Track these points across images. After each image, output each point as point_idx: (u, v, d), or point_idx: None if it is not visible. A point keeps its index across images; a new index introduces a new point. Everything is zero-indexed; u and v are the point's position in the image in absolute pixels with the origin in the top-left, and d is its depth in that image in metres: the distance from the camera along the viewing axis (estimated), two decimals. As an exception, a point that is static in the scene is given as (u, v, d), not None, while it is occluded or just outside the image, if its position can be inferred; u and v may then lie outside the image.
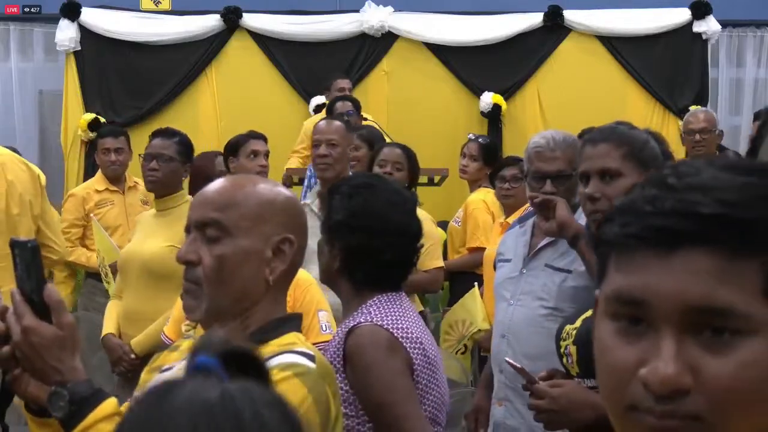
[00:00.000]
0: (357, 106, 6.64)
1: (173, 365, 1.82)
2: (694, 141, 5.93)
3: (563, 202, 3.06)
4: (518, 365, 2.48)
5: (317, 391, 1.62)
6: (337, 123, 4.42)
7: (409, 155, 4.75)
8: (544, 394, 2.36)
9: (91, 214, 5.51)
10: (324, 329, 3.04)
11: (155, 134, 4.46)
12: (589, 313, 2.41)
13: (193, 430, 0.81)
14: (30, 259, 1.61)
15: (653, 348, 0.86)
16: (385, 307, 2.36)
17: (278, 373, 1.60)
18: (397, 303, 2.41)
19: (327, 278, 2.48)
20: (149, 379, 1.86)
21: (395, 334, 2.30)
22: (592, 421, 2.28)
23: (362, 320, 2.31)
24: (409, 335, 2.33)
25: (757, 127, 1.86)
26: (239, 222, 1.75)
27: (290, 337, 1.75)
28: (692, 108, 8.06)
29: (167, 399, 0.85)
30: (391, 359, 2.29)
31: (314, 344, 3.03)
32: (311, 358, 1.67)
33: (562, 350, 2.46)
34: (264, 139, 5.02)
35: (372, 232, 2.40)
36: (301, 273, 3.18)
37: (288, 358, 1.65)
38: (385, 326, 2.30)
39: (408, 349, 2.31)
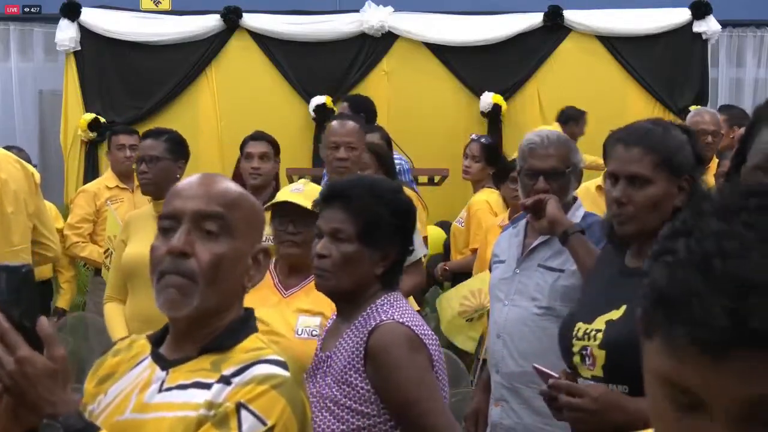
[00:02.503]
0: (354, 106, 6.56)
1: (127, 375, 1.75)
2: (705, 142, 5.83)
3: (554, 199, 3.07)
4: (546, 370, 2.45)
5: (294, 399, 1.62)
6: (352, 123, 4.36)
7: (378, 153, 4.71)
8: (585, 392, 2.32)
9: (107, 201, 5.55)
10: None
11: (145, 135, 4.44)
12: (613, 315, 2.38)
13: None
14: (22, 285, 1.56)
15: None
16: (398, 305, 2.37)
17: (256, 388, 1.59)
18: (404, 301, 2.43)
19: (356, 285, 2.38)
20: (98, 392, 1.78)
21: (416, 331, 2.31)
22: (621, 424, 2.28)
23: (384, 318, 2.31)
24: (427, 332, 2.35)
25: (746, 128, 1.87)
26: (239, 223, 1.71)
27: (254, 341, 1.71)
28: (693, 107, 8.06)
29: None
30: (416, 356, 2.29)
31: None
32: (284, 365, 1.65)
33: (575, 349, 2.44)
34: (265, 139, 4.99)
35: (412, 232, 2.47)
36: None
37: (263, 370, 1.63)
38: (406, 324, 2.31)
39: (428, 345, 2.33)
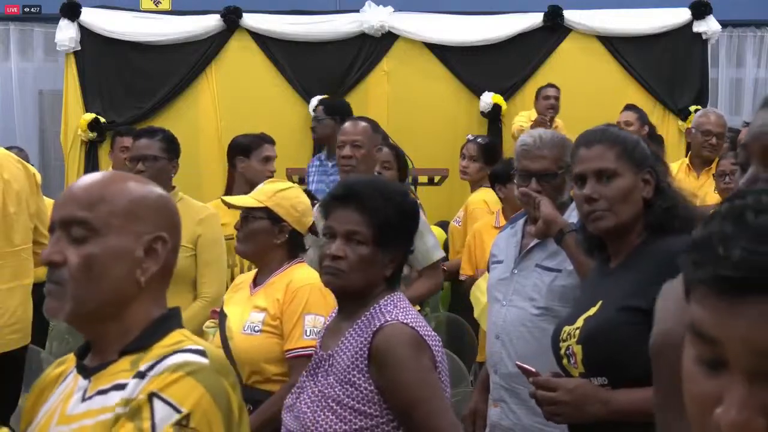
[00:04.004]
0: (328, 109, 6.48)
1: (55, 393, 1.72)
2: (709, 143, 5.80)
3: (547, 200, 3.08)
4: (527, 366, 2.47)
5: (214, 386, 1.56)
6: (363, 124, 4.34)
7: (398, 154, 4.73)
8: (558, 385, 2.35)
9: None
10: (307, 334, 3.03)
11: (138, 135, 4.45)
12: (590, 311, 2.41)
13: None
14: None
15: (727, 389, 0.84)
16: (401, 306, 2.38)
17: (169, 376, 1.54)
18: (406, 302, 2.44)
19: (366, 286, 2.39)
20: (34, 413, 1.73)
21: (420, 332, 2.32)
22: (602, 416, 2.29)
23: (389, 319, 2.32)
24: (430, 333, 2.36)
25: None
26: (108, 219, 1.65)
27: (175, 336, 1.67)
28: (693, 107, 8.05)
29: None
30: (420, 356, 2.30)
31: (294, 350, 3.01)
32: (203, 353, 1.60)
33: (562, 351, 2.46)
34: (274, 143, 5.05)
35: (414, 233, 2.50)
36: (298, 272, 3.18)
37: (177, 359, 1.58)
38: (410, 324, 2.32)
39: (431, 346, 2.34)
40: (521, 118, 7.52)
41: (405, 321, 2.32)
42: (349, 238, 2.36)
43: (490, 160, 5.76)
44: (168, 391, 1.52)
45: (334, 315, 2.56)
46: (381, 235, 2.35)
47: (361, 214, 2.35)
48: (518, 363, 2.53)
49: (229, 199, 3.33)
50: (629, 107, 7.19)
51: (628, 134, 2.57)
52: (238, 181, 4.96)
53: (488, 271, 3.44)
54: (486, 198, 5.55)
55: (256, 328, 3.08)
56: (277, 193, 3.26)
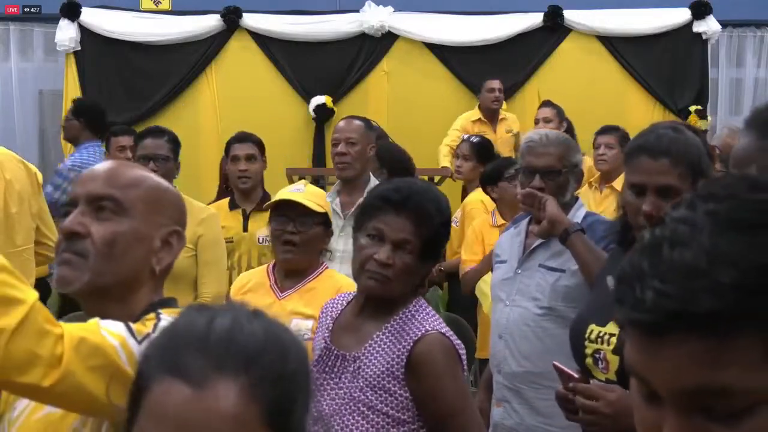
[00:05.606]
0: (76, 110, 6.36)
1: None
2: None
3: (552, 200, 3.07)
4: (567, 370, 2.43)
5: None
6: (357, 122, 4.34)
7: (380, 155, 4.71)
8: (601, 396, 2.30)
9: None
10: None
11: (144, 134, 4.43)
12: None
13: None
14: None
15: (664, 420, 0.85)
16: (431, 312, 2.40)
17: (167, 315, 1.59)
18: (430, 308, 2.45)
19: (403, 294, 2.40)
20: (15, 398, 1.72)
21: (453, 342, 2.35)
22: (633, 428, 2.26)
23: (428, 328, 2.33)
24: (459, 342, 2.38)
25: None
26: (136, 203, 1.69)
27: (172, 312, 1.67)
28: (693, 107, 8.05)
29: None
30: (456, 368, 2.34)
31: None
32: None
33: (588, 351, 2.43)
34: (251, 140, 4.89)
35: None
36: (341, 278, 3.16)
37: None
38: (446, 335, 2.34)
39: (461, 356, 2.37)
40: (452, 135, 7.44)
41: (442, 331, 2.34)
42: (399, 246, 2.34)
43: (483, 159, 5.76)
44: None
45: (338, 308, 2.52)
46: (428, 247, 2.36)
47: (414, 224, 2.33)
48: (555, 363, 2.44)
49: (301, 199, 3.18)
50: (546, 104, 7.22)
51: (693, 143, 2.38)
52: (225, 185, 4.94)
53: (492, 271, 3.44)
54: (483, 198, 5.55)
55: (306, 336, 2.99)
56: (324, 197, 3.26)
